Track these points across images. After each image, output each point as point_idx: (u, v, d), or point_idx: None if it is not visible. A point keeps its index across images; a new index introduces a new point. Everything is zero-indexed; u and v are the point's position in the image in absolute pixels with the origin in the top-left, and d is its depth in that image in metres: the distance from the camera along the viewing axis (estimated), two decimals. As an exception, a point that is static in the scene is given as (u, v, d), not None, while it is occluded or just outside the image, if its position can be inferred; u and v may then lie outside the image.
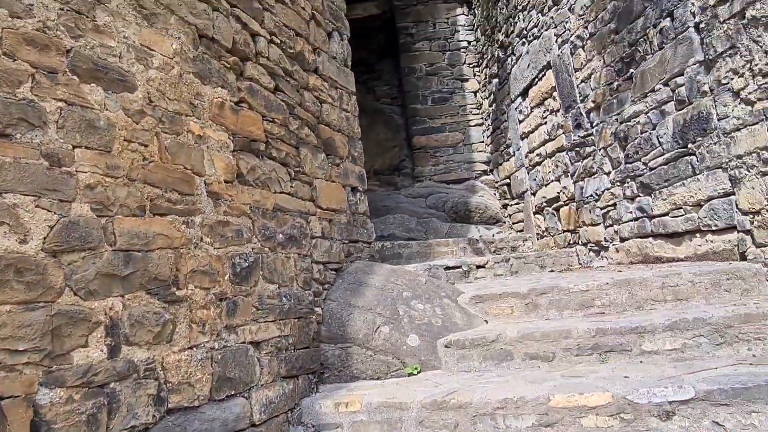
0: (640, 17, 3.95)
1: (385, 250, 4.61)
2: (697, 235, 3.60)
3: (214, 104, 2.44)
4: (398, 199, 7.12)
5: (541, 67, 5.62)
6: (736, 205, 3.22)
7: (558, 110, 5.37)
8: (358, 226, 3.78)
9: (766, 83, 2.93)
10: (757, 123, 3.01)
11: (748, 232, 3.16)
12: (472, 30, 7.84)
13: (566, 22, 5.04)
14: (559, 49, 5.21)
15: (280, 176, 2.90)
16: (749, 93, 3.04)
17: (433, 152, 7.52)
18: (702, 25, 3.35)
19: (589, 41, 4.68)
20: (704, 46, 3.35)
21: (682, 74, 3.57)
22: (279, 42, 3.09)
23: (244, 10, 2.77)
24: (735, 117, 3.16)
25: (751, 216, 3.12)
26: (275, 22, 3.06)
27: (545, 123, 5.70)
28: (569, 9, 4.96)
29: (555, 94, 5.39)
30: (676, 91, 3.65)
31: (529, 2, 5.82)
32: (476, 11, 7.70)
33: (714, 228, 3.43)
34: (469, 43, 7.81)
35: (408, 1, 7.79)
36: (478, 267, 4.51)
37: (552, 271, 4.91)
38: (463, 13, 7.86)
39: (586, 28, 4.69)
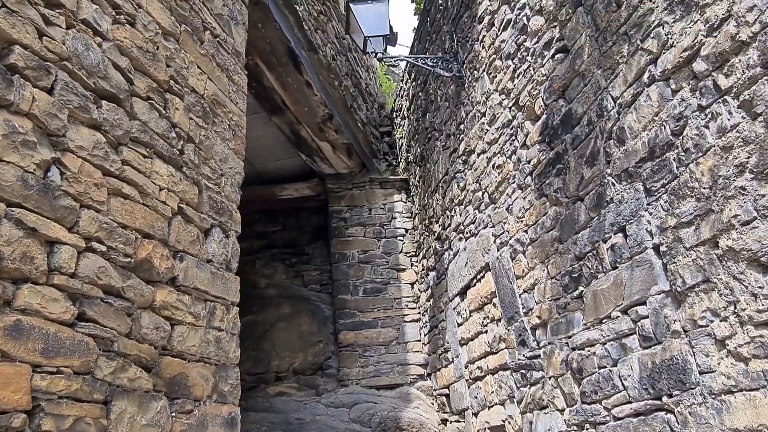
0: (585, 228, 3.33)
1: None
2: None
3: None
4: (316, 410, 5.88)
5: (479, 267, 4.93)
6: (743, 502, 2.27)
7: (499, 320, 4.56)
8: (214, 501, 2.60)
9: (761, 336, 2.17)
10: (757, 389, 2.19)
11: None
12: (410, 217, 7.32)
13: (505, 223, 4.46)
14: (498, 251, 4.57)
15: (50, 463, 1.81)
16: (739, 346, 2.26)
17: (362, 351, 6.47)
18: (663, 249, 2.69)
19: (530, 247, 4.04)
20: (669, 273, 2.66)
21: (644, 303, 2.84)
22: (105, 249, 2.21)
23: (36, 209, 1.92)
24: (724, 375, 2.34)
25: None
26: (102, 223, 2.21)
27: (486, 332, 4.85)
28: (507, 209, 4.41)
29: (495, 300, 4.63)
30: (639, 323, 2.88)
31: (465, 197, 5.32)
32: (414, 198, 7.27)
33: None
34: (407, 230, 7.24)
35: (343, 184, 7.32)
36: None
37: None
38: (401, 200, 7.40)
39: (526, 232, 4.08)
